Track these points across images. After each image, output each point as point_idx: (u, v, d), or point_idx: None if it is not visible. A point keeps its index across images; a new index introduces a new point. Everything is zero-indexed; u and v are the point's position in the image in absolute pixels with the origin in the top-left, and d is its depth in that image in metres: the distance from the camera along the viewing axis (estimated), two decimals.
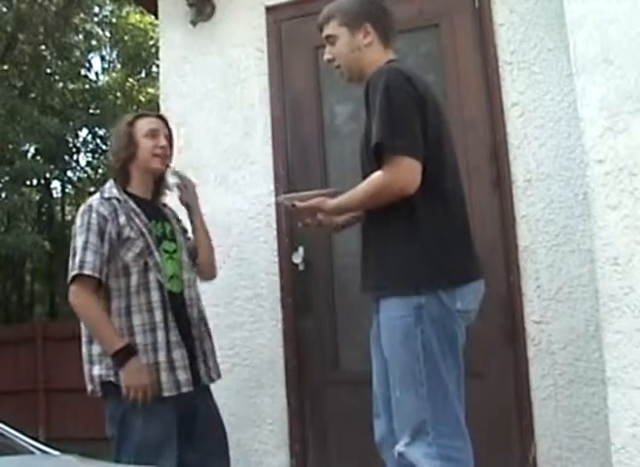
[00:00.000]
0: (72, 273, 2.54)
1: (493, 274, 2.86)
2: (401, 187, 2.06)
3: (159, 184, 2.81)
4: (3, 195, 10.84)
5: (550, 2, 2.92)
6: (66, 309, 14.53)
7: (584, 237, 2.79)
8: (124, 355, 2.49)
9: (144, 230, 2.62)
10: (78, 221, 2.62)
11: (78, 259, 2.53)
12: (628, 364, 2.11)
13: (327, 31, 2.32)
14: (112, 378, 2.51)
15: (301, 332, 3.19)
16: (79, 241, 2.56)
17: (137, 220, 2.62)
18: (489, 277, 2.73)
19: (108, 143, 12.99)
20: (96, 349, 2.56)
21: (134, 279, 2.56)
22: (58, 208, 15.08)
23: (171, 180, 2.84)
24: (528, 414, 2.83)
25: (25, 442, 2.42)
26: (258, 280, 3.25)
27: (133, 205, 2.65)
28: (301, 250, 3.16)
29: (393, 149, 2.06)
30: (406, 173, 2.06)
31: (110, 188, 2.69)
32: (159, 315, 2.56)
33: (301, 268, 3.16)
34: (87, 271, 2.51)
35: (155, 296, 2.57)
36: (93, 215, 2.59)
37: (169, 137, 2.79)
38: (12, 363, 8.74)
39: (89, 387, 2.59)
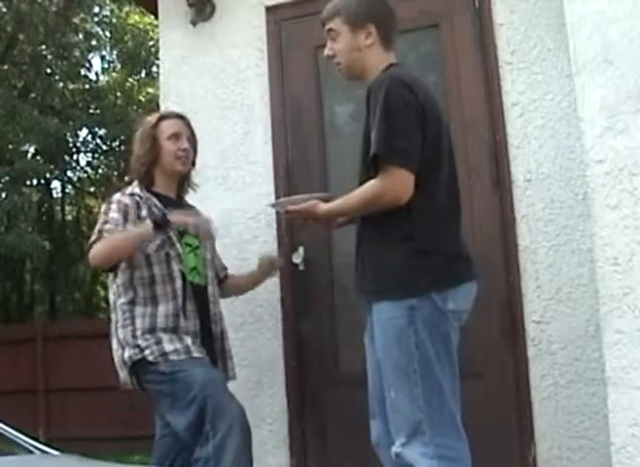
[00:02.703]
0: (91, 240, 2.62)
1: (493, 274, 2.86)
2: (393, 197, 2.10)
3: (182, 183, 2.89)
4: (3, 195, 10.82)
5: (550, 2, 2.92)
6: (66, 309, 14.57)
7: (584, 237, 2.79)
8: (160, 222, 2.59)
9: None
10: (102, 210, 2.73)
11: (97, 229, 2.64)
12: (628, 364, 2.11)
13: (329, 25, 2.32)
14: (139, 356, 2.56)
15: (300, 332, 3.19)
16: (101, 221, 2.67)
17: (158, 213, 2.69)
18: (489, 277, 2.75)
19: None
20: (122, 334, 2.61)
21: (157, 269, 2.64)
22: (58, 208, 15.05)
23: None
24: (528, 414, 2.83)
25: (25, 442, 2.43)
26: None
27: (155, 201, 2.73)
28: (301, 250, 3.16)
29: (389, 160, 2.09)
30: (399, 185, 2.10)
31: (133, 187, 2.77)
32: (180, 303, 2.63)
33: (301, 268, 3.16)
34: (107, 229, 2.62)
35: (178, 284, 2.64)
36: (113, 205, 2.69)
37: (191, 138, 2.85)
38: (12, 363, 8.73)
39: (122, 376, 2.64)
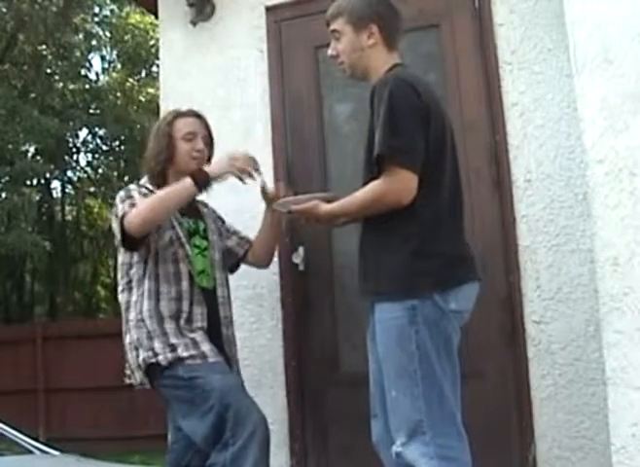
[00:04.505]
0: (122, 213, 2.56)
1: (493, 274, 2.86)
2: (396, 199, 2.11)
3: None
4: (3, 195, 10.83)
5: (550, 2, 2.92)
6: (66, 309, 14.57)
7: (584, 237, 2.79)
8: (199, 174, 2.57)
9: (174, 222, 2.66)
10: (117, 202, 2.65)
11: (123, 207, 2.58)
12: (628, 364, 2.11)
13: (333, 26, 2.34)
14: (153, 359, 2.51)
15: (301, 332, 3.19)
16: (122, 206, 2.59)
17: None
18: (489, 277, 2.75)
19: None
20: (134, 335, 2.56)
21: (165, 267, 2.60)
22: (58, 208, 15.06)
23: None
24: (528, 414, 2.83)
25: (25, 442, 2.43)
26: (258, 280, 3.25)
27: None
28: (301, 250, 3.15)
29: (392, 161, 2.10)
30: (402, 186, 2.10)
31: (144, 182, 2.73)
32: (186, 305, 2.59)
33: (301, 268, 3.16)
34: (122, 213, 2.55)
35: (184, 286, 2.60)
36: (134, 192, 2.65)
37: (207, 138, 2.80)
38: (12, 363, 8.75)
39: (138, 377, 2.58)
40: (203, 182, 2.57)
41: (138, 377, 2.59)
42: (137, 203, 2.58)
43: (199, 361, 2.50)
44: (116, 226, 2.60)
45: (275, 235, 2.98)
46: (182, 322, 2.57)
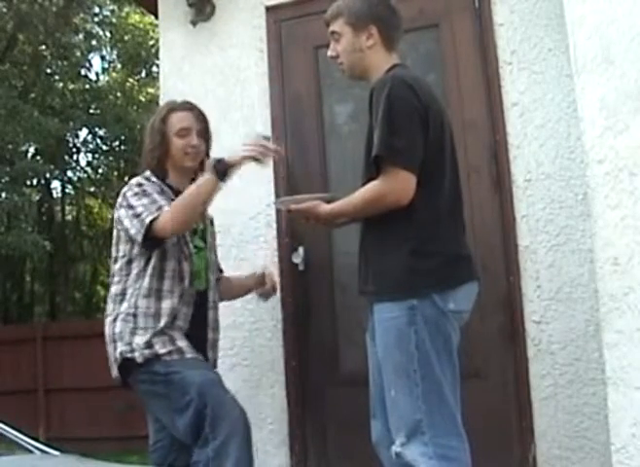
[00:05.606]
0: (149, 218, 2.49)
1: (493, 274, 2.87)
2: (395, 199, 2.11)
3: (194, 178, 2.80)
4: (3, 195, 10.82)
5: (550, 2, 2.92)
6: (66, 309, 14.58)
7: (584, 237, 2.80)
8: (218, 164, 2.50)
9: None
10: (129, 195, 2.61)
11: (139, 210, 2.53)
12: (628, 364, 2.11)
13: (332, 27, 2.34)
14: (129, 355, 2.51)
15: (301, 332, 3.19)
16: (140, 204, 2.55)
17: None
18: (489, 277, 2.75)
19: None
20: (118, 327, 2.55)
21: (169, 264, 2.59)
22: (58, 208, 15.07)
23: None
24: (528, 414, 2.83)
25: (25, 442, 2.43)
26: None
27: (172, 195, 2.66)
28: (301, 250, 3.15)
29: (391, 161, 2.10)
30: (400, 186, 2.11)
31: (149, 175, 2.70)
32: (180, 304, 2.58)
33: (301, 268, 3.16)
34: (151, 217, 2.51)
35: (186, 284, 2.61)
36: (147, 187, 2.62)
37: (203, 131, 2.77)
38: (12, 363, 8.75)
39: (114, 371, 2.58)
40: (223, 172, 2.52)
41: (114, 373, 2.58)
42: (162, 204, 2.55)
43: (176, 357, 2.50)
44: (129, 222, 2.55)
45: (242, 293, 3.05)
46: (169, 319, 2.56)
